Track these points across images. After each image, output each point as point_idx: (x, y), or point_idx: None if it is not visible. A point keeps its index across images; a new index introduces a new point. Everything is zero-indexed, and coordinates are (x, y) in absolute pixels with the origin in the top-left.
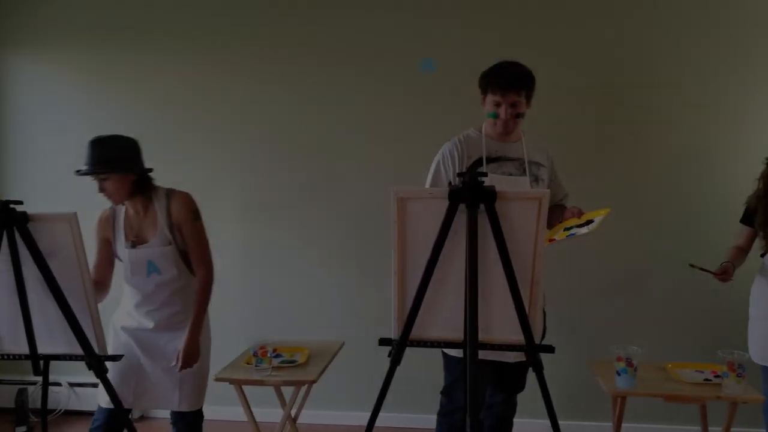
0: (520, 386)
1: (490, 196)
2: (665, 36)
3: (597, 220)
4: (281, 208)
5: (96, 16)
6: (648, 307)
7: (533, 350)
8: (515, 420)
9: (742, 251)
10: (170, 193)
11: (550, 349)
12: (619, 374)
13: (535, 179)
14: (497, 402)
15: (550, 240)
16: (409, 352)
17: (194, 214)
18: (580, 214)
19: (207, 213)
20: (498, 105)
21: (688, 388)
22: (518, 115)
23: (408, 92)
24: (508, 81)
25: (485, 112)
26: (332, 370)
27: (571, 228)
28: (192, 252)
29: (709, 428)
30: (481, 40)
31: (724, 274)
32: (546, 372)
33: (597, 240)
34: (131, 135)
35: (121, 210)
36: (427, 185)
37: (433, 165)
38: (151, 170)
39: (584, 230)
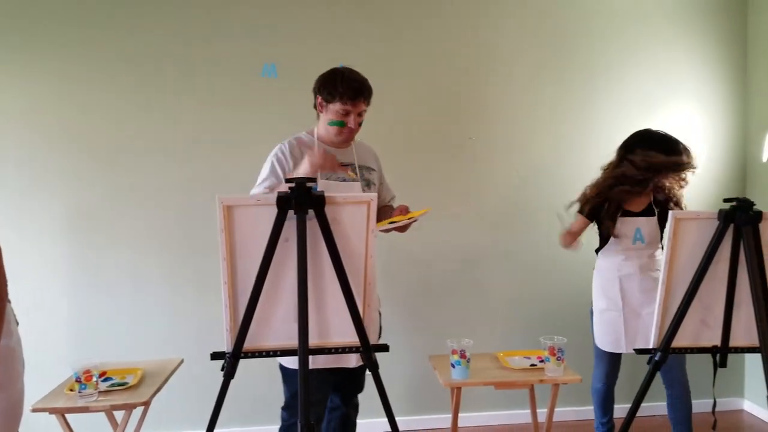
0: (359, 388)
1: (318, 201)
2: (495, 42)
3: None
4: (105, 224)
5: None
6: (485, 300)
7: (368, 350)
8: (359, 420)
9: (573, 233)
10: None
11: (385, 348)
12: (453, 366)
13: (367, 184)
14: (338, 405)
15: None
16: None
17: None
18: (406, 211)
19: (25, 231)
20: (347, 114)
21: (515, 374)
22: (361, 124)
23: (235, 98)
24: (359, 90)
25: (327, 120)
26: (174, 389)
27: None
28: None
29: (538, 410)
30: (315, 47)
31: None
32: (391, 370)
33: (434, 239)
34: None
35: None
36: (264, 184)
37: (269, 164)
38: None
39: (403, 222)
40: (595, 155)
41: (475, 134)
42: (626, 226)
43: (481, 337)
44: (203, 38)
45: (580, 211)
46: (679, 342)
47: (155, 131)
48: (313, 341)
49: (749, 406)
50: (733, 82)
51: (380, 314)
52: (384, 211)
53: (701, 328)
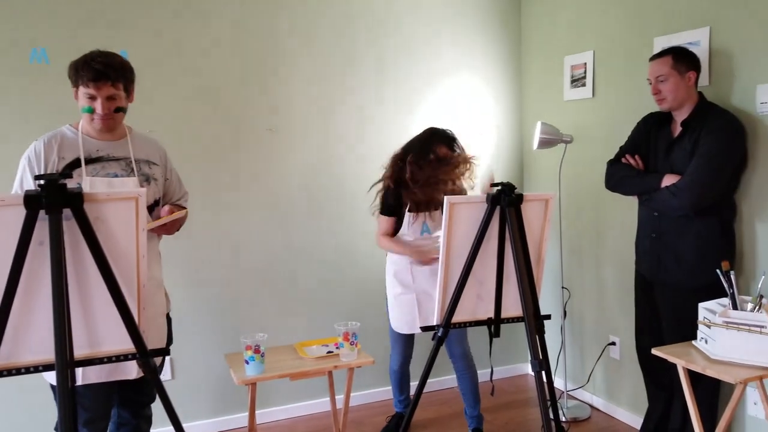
0: (149, 398)
1: (75, 198)
2: (294, 34)
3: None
4: None
5: None
6: (292, 292)
7: (146, 356)
8: (157, 430)
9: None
10: None
11: (164, 352)
12: (248, 363)
13: (147, 179)
14: (127, 419)
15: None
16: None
17: None
18: (171, 212)
19: None
20: (93, 98)
21: (311, 363)
22: (118, 110)
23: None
24: (101, 72)
25: (80, 108)
26: None
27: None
28: None
29: (337, 396)
30: (98, 34)
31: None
32: (195, 373)
33: (235, 234)
34: None
35: None
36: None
37: (20, 168)
38: None
39: (160, 222)
40: (393, 145)
41: (275, 126)
42: (415, 219)
43: (289, 330)
44: None
45: (384, 213)
46: (458, 317)
47: None
48: (82, 352)
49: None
50: (511, 80)
51: (170, 318)
52: (173, 209)
53: (477, 303)
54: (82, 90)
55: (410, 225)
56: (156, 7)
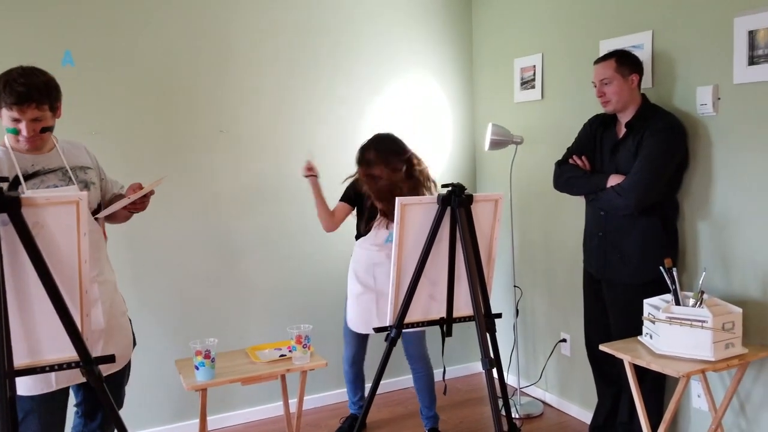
0: (119, 405)
1: (12, 203)
2: (248, 36)
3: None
4: None
5: None
6: (248, 294)
7: (89, 364)
8: None
9: (330, 211)
10: None
11: (109, 359)
12: (197, 368)
13: (85, 184)
14: (93, 428)
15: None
16: None
17: None
18: (140, 188)
19: None
20: (17, 121)
21: (263, 367)
22: (45, 130)
23: None
24: (25, 94)
25: (4, 127)
26: None
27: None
28: None
29: (291, 400)
30: (38, 33)
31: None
32: (151, 378)
33: (190, 234)
34: None
35: None
36: None
37: None
38: None
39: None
40: (345, 146)
41: (227, 127)
42: (380, 228)
43: (242, 334)
44: None
45: (344, 199)
46: (411, 317)
47: None
48: (22, 361)
49: None
50: (463, 82)
51: (130, 320)
52: (118, 200)
53: (430, 303)
54: (5, 112)
55: (376, 232)
56: (104, 6)
